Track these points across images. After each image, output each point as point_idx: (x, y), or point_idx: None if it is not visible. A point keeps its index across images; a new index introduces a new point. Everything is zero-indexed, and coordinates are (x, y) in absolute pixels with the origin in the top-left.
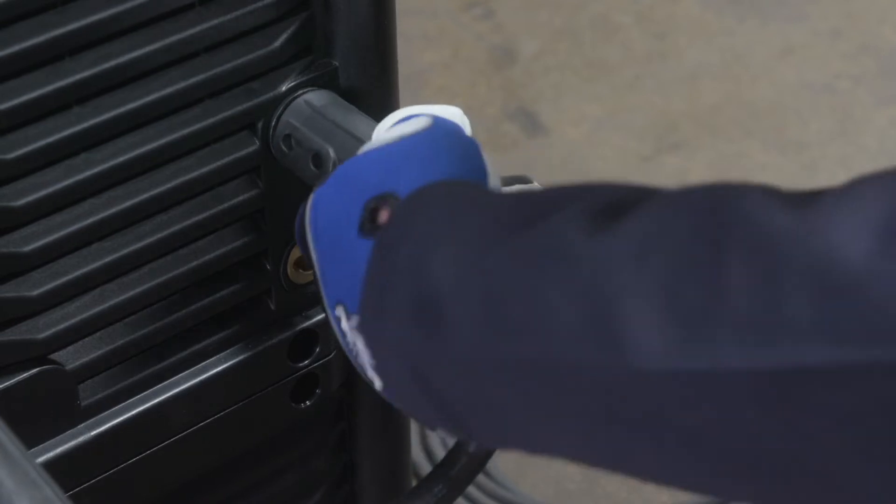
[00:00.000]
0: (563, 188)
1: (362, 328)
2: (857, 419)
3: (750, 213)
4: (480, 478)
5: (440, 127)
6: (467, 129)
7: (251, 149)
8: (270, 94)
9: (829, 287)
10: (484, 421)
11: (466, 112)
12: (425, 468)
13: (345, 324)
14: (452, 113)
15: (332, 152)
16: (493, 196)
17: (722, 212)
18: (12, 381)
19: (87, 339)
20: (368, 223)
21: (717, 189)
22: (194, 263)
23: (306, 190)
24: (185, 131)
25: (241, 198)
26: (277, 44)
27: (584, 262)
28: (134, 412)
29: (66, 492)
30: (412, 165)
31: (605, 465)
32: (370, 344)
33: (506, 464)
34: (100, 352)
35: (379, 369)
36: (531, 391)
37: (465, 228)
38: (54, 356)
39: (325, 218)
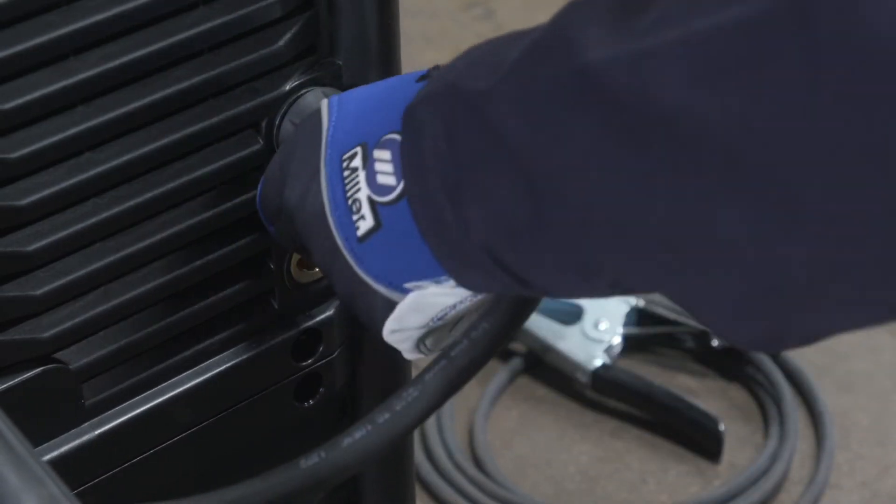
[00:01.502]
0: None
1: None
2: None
3: None
4: (480, 478)
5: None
6: None
7: (255, 148)
8: (274, 94)
9: None
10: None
11: None
12: (426, 469)
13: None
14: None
15: None
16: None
17: None
18: (17, 379)
19: (91, 338)
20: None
21: None
22: (198, 262)
23: None
24: (189, 130)
25: (244, 197)
26: (281, 43)
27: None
28: (138, 411)
29: (71, 490)
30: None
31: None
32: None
33: (506, 464)
34: (104, 351)
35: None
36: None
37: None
38: (58, 355)
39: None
